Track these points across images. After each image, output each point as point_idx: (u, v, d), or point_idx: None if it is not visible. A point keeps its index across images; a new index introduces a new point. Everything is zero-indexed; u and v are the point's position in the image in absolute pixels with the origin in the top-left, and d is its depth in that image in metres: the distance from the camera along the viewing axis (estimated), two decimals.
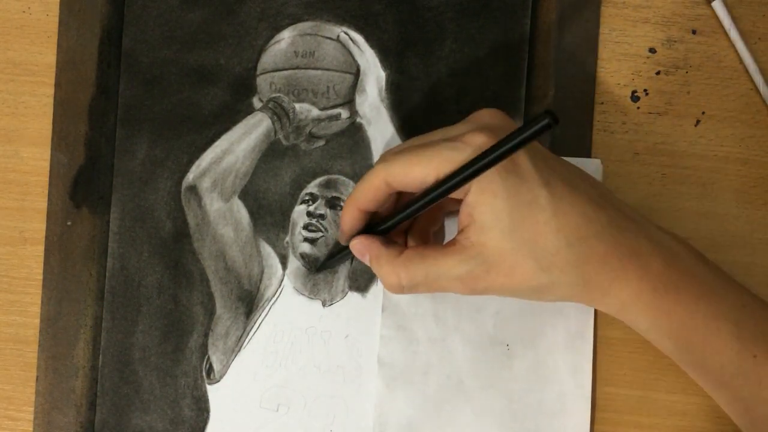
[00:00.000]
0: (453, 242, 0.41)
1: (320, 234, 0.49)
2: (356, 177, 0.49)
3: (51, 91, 0.50)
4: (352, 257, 0.47)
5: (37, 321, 0.50)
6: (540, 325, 0.48)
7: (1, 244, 0.50)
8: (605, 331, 0.49)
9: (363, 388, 0.49)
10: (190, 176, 0.50)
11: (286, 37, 0.50)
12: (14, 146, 0.50)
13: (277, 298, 0.49)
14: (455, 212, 0.44)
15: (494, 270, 0.40)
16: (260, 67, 0.50)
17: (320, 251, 0.49)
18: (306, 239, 0.49)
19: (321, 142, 0.50)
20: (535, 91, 0.49)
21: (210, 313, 0.49)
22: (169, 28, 0.50)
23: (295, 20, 0.50)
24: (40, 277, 0.50)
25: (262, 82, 0.50)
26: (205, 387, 0.49)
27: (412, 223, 0.45)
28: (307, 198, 0.49)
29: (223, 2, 0.50)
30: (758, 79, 0.49)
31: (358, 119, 0.50)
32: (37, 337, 0.50)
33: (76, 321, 0.49)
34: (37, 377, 0.49)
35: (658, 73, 0.49)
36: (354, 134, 0.50)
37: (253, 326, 0.49)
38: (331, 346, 0.49)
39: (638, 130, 0.49)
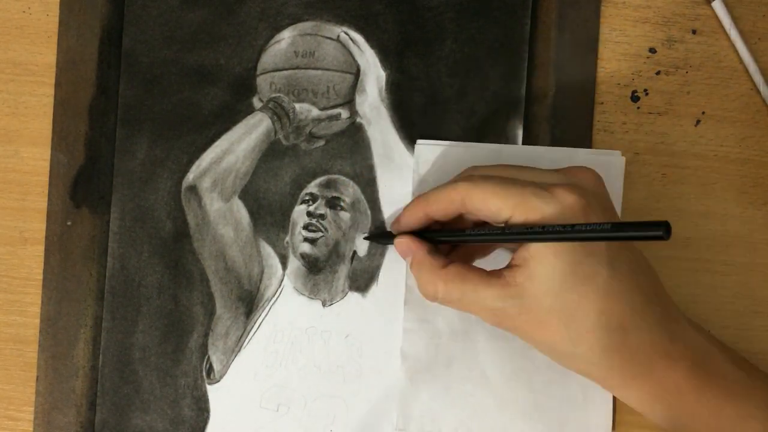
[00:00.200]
0: (498, 274, 0.41)
1: (320, 234, 0.49)
2: (356, 177, 0.49)
3: (51, 91, 0.50)
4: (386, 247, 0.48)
5: (37, 321, 0.50)
6: None
7: (1, 244, 0.50)
8: None
9: (363, 388, 0.49)
10: (190, 176, 0.50)
11: (286, 37, 0.50)
12: (14, 146, 0.50)
13: (277, 298, 0.49)
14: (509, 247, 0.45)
15: (526, 317, 0.40)
16: (260, 67, 0.50)
17: (320, 251, 0.49)
18: (306, 239, 0.49)
19: (321, 142, 0.50)
20: (535, 91, 0.49)
21: (210, 313, 0.49)
22: (169, 28, 0.50)
23: (295, 20, 0.50)
24: (40, 277, 0.50)
25: (262, 82, 0.50)
26: (205, 387, 0.49)
27: None
28: (307, 198, 0.49)
29: (223, 2, 0.50)
30: (758, 79, 0.49)
31: (358, 119, 0.49)
32: (37, 337, 0.50)
33: (76, 321, 0.49)
34: (37, 377, 0.49)
35: (658, 73, 0.49)
36: (354, 134, 0.50)
37: (253, 326, 0.49)
38: (331, 346, 0.49)
39: (638, 130, 0.49)
